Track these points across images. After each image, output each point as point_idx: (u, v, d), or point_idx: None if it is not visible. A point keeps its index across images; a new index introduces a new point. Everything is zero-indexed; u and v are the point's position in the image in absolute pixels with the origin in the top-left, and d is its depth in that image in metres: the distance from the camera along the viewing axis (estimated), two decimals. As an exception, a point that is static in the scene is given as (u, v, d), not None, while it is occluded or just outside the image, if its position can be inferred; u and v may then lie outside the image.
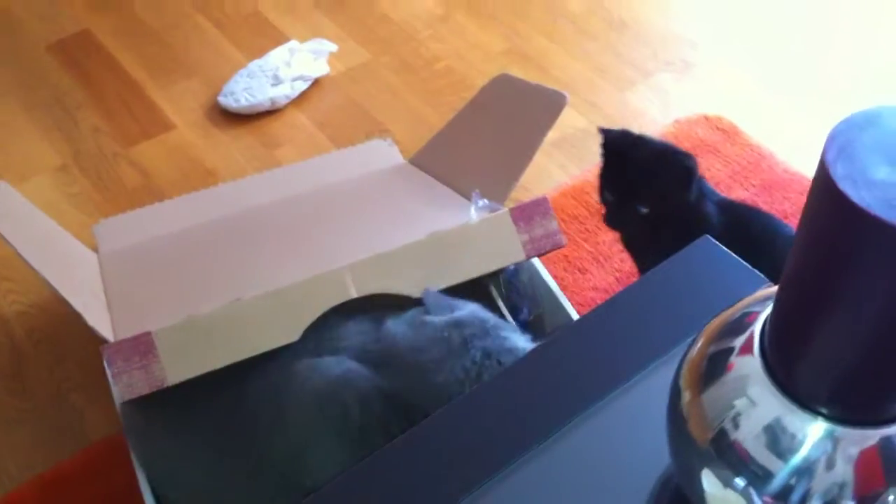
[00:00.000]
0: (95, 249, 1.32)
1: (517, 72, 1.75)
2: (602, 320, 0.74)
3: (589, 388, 0.70)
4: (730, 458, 0.53)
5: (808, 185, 1.51)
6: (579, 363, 0.71)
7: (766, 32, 1.82)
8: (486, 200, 1.20)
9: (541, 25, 1.86)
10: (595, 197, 1.48)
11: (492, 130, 1.33)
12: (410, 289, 0.95)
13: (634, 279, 1.38)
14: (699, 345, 0.57)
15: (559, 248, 1.00)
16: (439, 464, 0.68)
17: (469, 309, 0.90)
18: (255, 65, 1.72)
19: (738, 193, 1.50)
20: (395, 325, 0.91)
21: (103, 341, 1.03)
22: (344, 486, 0.65)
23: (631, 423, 0.69)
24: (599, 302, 1.33)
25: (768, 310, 0.54)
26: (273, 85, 1.67)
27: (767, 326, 0.52)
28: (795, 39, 1.80)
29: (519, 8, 1.90)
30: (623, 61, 1.76)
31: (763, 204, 1.48)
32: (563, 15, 1.88)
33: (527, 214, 0.98)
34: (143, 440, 0.95)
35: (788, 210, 1.47)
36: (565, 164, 1.55)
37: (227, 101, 1.67)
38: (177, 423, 0.92)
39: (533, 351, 0.75)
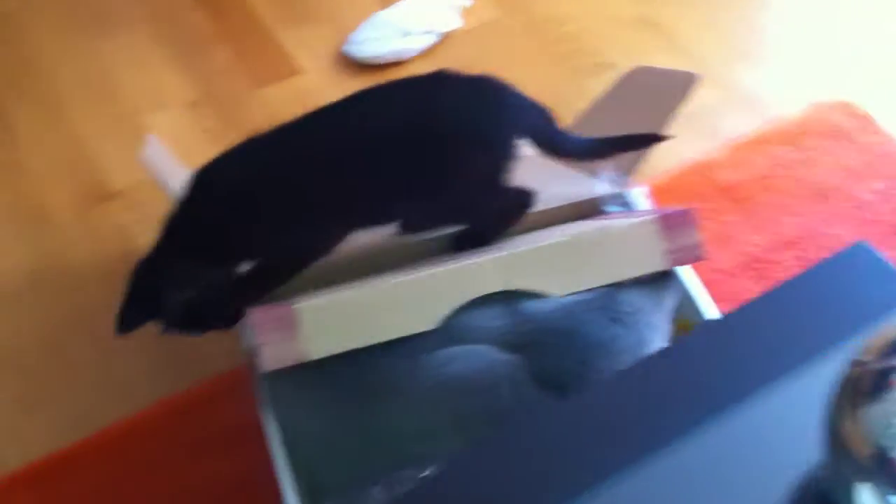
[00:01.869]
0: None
1: (647, 39, 1.72)
2: (747, 320, 0.73)
3: (729, 388, 0.69)
4: (890, 474, 0.52)
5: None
6: (720, 361, 0.71)
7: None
8: (613, 174, 1.19)
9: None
10: (722, 175, 1.46)
11: (625, 116, 1.31)
12: (551, 288, 0.95)
13: (758, 263, 1.35)
14: (862, 359, 0.56)
15: (700, 261, 0.98)
16: (567, 452, 0.68)
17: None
18: (385, 14, 1.72)
19: (871, 184, 1.45)
20: (541, 306, 0.92)
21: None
22: (472, 460, 0.66)
23: (770, 427, 0.68)
24: (721, 283, 1.32)
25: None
26: (402, 37, 1.67)
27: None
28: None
29: (652, -26, 1.86)
30: (760, 38, 1.71)
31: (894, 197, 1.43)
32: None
33: (672, 224, 0.97)
34: (272, 383, 0.98)
35: (920, 205, 1.42)
36: (692, 140, 1.52)
37: (354, 49, 1.68)
38: (309, 377, 0.93)
39: (673, 345, 0.75)
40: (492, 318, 0.94)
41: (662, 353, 0.75)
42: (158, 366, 1.29)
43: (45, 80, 1.69)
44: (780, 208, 1.43)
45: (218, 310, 1.06)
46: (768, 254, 1.37)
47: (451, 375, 0.89)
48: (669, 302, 0.98)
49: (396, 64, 1.68)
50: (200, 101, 1.63)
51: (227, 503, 1.17)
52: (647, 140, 1.13)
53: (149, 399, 1.25)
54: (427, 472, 0.88)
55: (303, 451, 0.98)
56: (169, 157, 1.24)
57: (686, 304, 1.04)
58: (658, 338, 0.93)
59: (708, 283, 1.33)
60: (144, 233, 1.42)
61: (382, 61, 1.68)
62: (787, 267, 1.35)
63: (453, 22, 1.72)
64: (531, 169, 1.36)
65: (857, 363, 0.55)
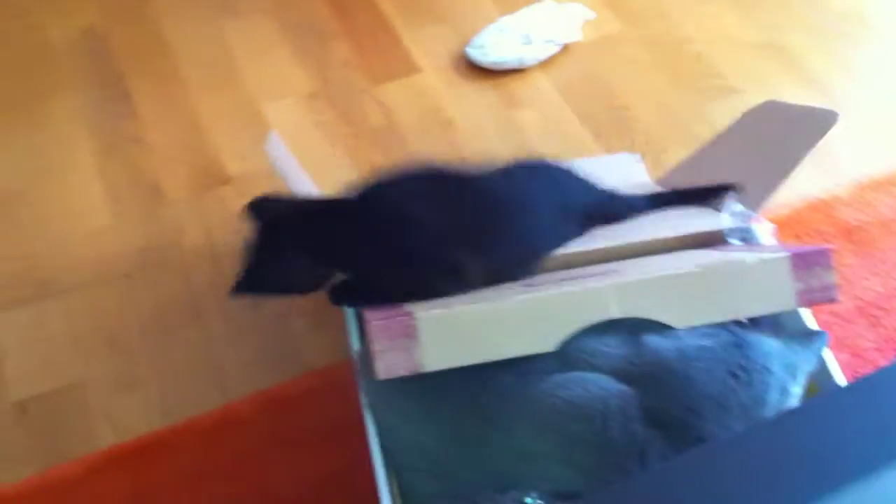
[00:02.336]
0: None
1: (773, 66, 1.67)
2: (882, 387, 0.70)
3: (849, 463, 0.66)
4: None
5: None
6: (845, 432, 0.67)
7: None
8: (741, 206, 1.16)
9: (802, 21, 1.76)
10: (844, 215, 1.42)
11: (752, 151, 1.27)
12: (673, 319, 0.93)
13: (875, 309, 1.31)
14: None
15: (831, 302, 0.95)
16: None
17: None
18: (506, 20, 1.72)
19: None
20: (662, 342, 0.90)
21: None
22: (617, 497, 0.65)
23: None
24: (835, 327, 1.28)
25: None
26: (523, 44, 1.66)
27: None
28: None
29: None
30: (891, 74, 1.65)
31: None
32: (826, 13, 1.78)
33: (807, 263, 0.93)
34: (375, 386, 0.98)
35: None
36: (815, 176, 1.48)
37: (474, 53, 1.68)
38: (412, 384, 0.93)
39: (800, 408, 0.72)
40: (610, 346, 0.92)
41: (787, 416, 0.72)
42: (257, 356, 1.30)
43: (170, 59, 1.72)
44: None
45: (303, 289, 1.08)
46: (886, 301, 1.32)
47: (564, 400, 0.88)
48: (805, 366, 0.94)
49: (516, 71, 1.67)
50: (317, 94, 1.64)
51: (312, 501, 1.17)
52: (718, 191, 1.16)
53: (244, 389, 1.27)
54: (531, 499, 0.87)
55: (397, 458, 0.98)
56: (289, 156, 1.25)
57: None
58: (782, 398, 0.90)
59: (822, 327, 1.30)
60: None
61: (505, 67, 1.67)
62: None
63: (574, 34, 1.70)
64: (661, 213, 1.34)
65: None
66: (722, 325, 0.94)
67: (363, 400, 0.98)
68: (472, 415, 0.92)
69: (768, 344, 0.91)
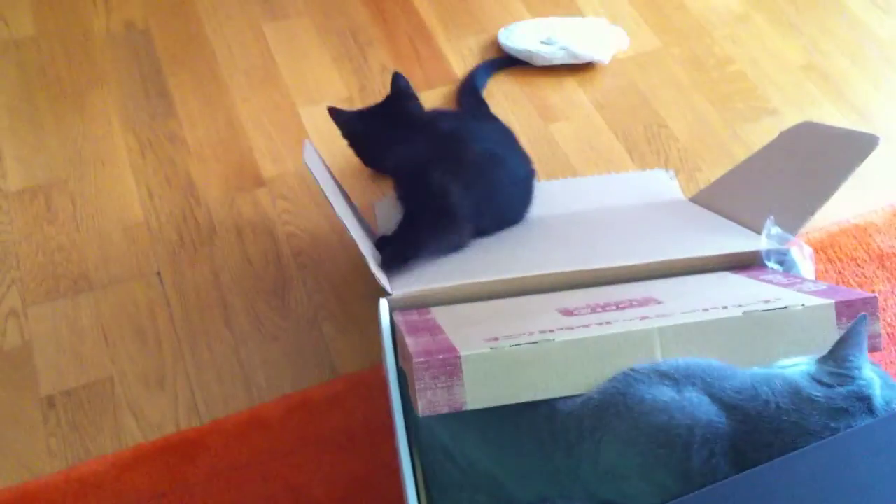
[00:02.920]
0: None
1: (813, 90, 1.66)
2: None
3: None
4: None
5: None
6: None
7: None
8: (779, 229, 1.15)
9: (845, 45, 1.75)
10: (878, 240, 1.40)
11: (789, 172, 1.26)
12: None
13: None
14: None
15: (875, 351, 0.93)
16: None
17: (859, 381, 0.84)
18: (548, 21, 1.76)
19: None
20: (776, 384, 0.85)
21: (379, 291, 1.08)
22: None
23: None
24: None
25: None
26: (542, 42, 1.69)
27: None
28: None
29: (823, 22, 1.80)
30: (931, 101, 1.64)
31: None
32: (871, 38, 1.76)
33: (853, 310, 0.91)
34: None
35: None
36: (850, 200, 1.46)
37: (503, 35, 1.74)
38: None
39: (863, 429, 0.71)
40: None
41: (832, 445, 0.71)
42: (285, 359, 1.31)
43: (210, 59, 1.73)
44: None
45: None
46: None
47: (649, 424, 0.84)
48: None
49: (553, 83, 1.67)
50: (354, 99, 1.65)
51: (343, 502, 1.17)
52: None
53: (271, 393, 1.27)
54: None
55: (441, 476, 0.97)
56: (324, 167, 1.25)
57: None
58: None
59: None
60: (286, 223, 1.45)
61: (515, 55, 1.71)
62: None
63: (601, 55, 1.69)
64: (696, 218, 1.33)
65: None
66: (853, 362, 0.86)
67: (396, 416, 0.97)
68: (532, 427, 0.91)
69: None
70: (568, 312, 0.99)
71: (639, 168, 1.54)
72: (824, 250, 1.40)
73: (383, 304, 1.05)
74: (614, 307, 1.00)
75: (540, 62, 1.69)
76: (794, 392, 0.82)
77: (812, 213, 1.16)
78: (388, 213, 1.41)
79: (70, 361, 1.31)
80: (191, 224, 1.47)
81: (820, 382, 0.83)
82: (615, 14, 1.80)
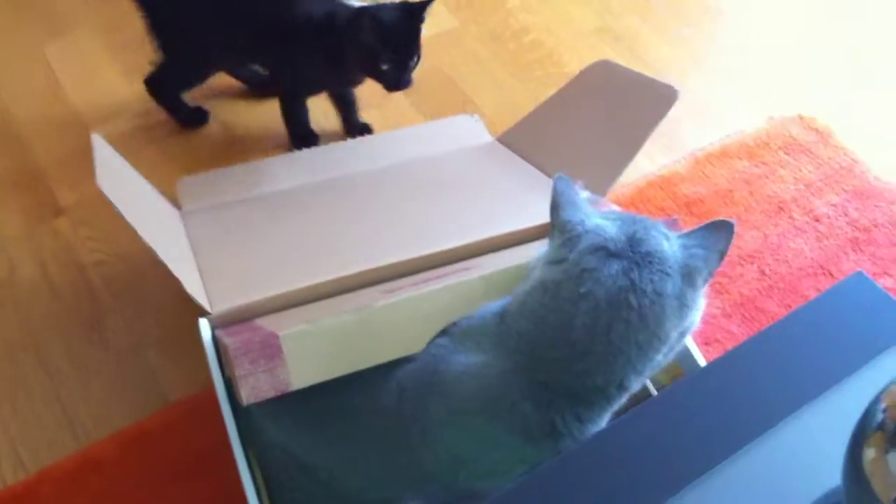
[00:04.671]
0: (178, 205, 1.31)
1: (608, 52, 1.71)
2: (749, 359, 0.72)
3: (738, 429, 0.68)
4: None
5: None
6: (726, 402, 0.69)
7: (871, 37, 1.77)
8: (588, 192, 1.18)
9: (633, 5, 1.81)
10: (684, 189, 1.46)
11: (591, 117, 1.29)
12: None
13: (720, 276, 1.35)
14: (883, 405, 0.56)
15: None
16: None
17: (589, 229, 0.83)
18: None
19: (828, 198, 1.46)
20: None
21: (200, 310, 1.03)
22: (529, 487, 0.64)
23: (778, 466, 0.67)
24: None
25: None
26: None
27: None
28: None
29: (612, -15, 1.86)
30: (718, 50, 1.72)
31: (853, 210, 1.45)
32: (657, -5, 1.84)
33: None
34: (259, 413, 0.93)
35: (879, 219, 1.43)
36: (653, 154, 1.52)
37: None
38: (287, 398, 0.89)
39: (676, 386, 0.73)
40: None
41: (663, 398, 0.73)
42: (110, 395, 1.24)
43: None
44: (740, 222, 1.43)
45: None
46: (730, 268, 1.37)
47: (474, 389, 0.82)
48: (704, 267, 0.84)
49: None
50: (151, 112, 1.57)
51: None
52: None
53: (100, 431, 1.20)
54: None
55: (283, 480, 0.94)
56: (121, 175, 1.18)
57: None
58: (680, 315, 0.82)
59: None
60: (93, 251, 1.37)
61: None
62: (749, 280, 1.35)
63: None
64: (502, 172, 1.34)
65: (884, 409, 0.55)
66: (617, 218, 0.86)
67: (231, 431, 0.94)
68: (365, 429, 0.89)
69: (661, 254, 0.81)
70: (390, 291, 0.98)
71: (452, 148, 1.54)
72: (635, 205, 1.45)
73: (203, 324, 1.01)
74: (434, 279, 1.00)
75: None
76: (544, 290, 0.82)
77: (618, 172, 1.20)
78: (195, 191, 1.35)
79: None
80: (-4, 264, 1.37)
81: (556, 262, 0.83)
82: (409, -3, 1.79)
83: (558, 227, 0.85)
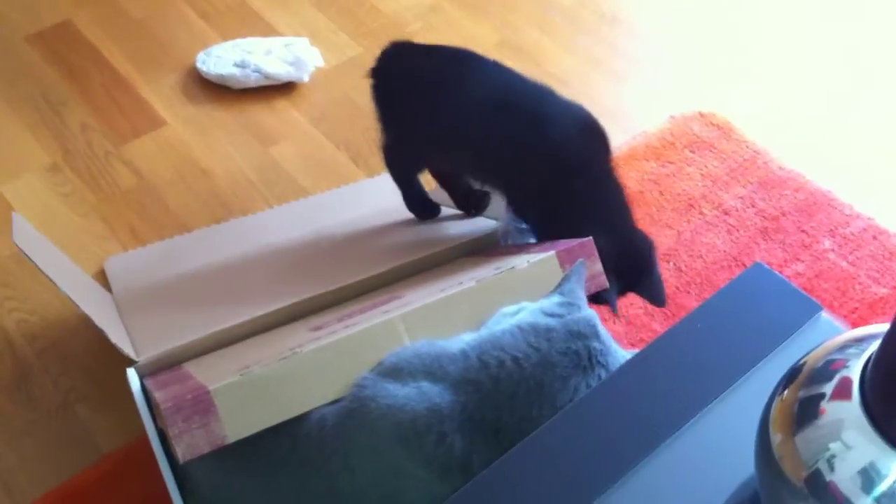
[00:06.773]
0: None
1: (512, 65, 1.74)
2: (660, 356, 0.75)
3: (654, 427, 0.70)
4: (825, 497, 0.55)
5: (803, 182, 1.54)
6: (643, 400, 0.72)
7: (756, 29, 1.84)
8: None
9: (532, 18, 1.85)
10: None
11: None
12: (463, 332, 0.94)
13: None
14: (787, 390, 0.59)
15: (602, 289, 1.00)
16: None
17: (585, 311, 0.90)
18: (242, 42, 1.75)
19: (735, 191, 1.52)
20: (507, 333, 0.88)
21: (127, 359, 1.02)
22: None
23: (695, 460, 0.70)
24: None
25: (859, 359, 0.55)
26: (235, 66, 1.68)
27: (869, 378, 0.53)
28: (786, 35, 1.82)
29: (509, 0, 1.90)
30: (616, 55, 1.76)
31: (760, 201, 1.50)
32: (554, 7, 1.88)
33: (573, 256, 0.98)
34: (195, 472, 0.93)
35: (786, 207, 1.49)
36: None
37: (201, 63, 1.71)
38: (230, 461, 0.90)
39: (591, 391, 0.75)
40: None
41: (588, 399, 0.75)
42: (42, 454, 1.22)
43: None
44: (653, 222, 1.48)
45: None
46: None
47: (395, 423, 0.84)
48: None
49: (266, 107, 1.66)
50: (59, 165, 1.55)
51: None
52: None
53: (34, 491, 1.17)
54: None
55: None
56: (39, 237, 1.17)
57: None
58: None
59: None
60: (12, 311, 1.35)
61: (216, 81, 1.70)
62: (666, 278, 1.39)
63: (294, 74, 1.70)
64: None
65: (787, 391, 0.58)
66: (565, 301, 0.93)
67: (169, 482, 0.93)
68: (294, 472, 0.90)
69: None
70: (317, 328, 0.99)
71: (365, 174, 1.56)
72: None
73: (131, 374, 1.00)
74: (359, 313, 1.01)
75: (235, 85, 1.67)
76: (532, 330, 0.86)
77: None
78: (123, 269, 1.34)
79: None
80: None
81: (553, 314, 0.89)
82: (311, 28, 1.80)
83: (563, 291, 0.94)
